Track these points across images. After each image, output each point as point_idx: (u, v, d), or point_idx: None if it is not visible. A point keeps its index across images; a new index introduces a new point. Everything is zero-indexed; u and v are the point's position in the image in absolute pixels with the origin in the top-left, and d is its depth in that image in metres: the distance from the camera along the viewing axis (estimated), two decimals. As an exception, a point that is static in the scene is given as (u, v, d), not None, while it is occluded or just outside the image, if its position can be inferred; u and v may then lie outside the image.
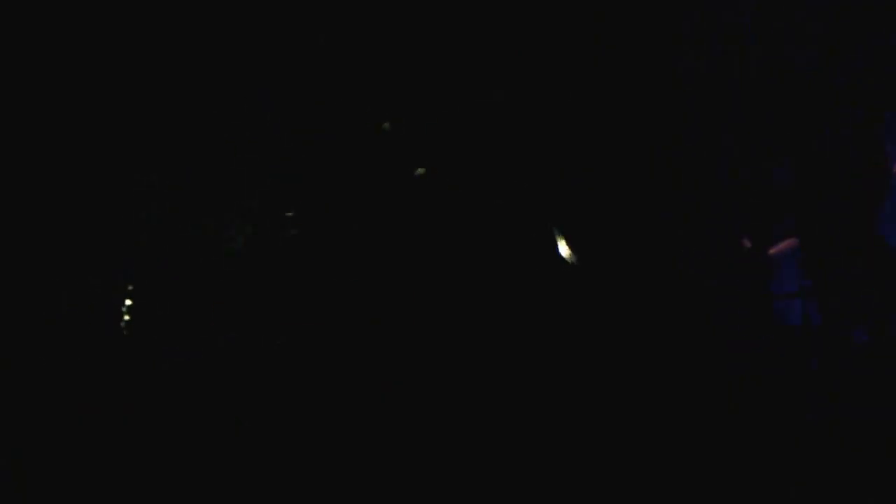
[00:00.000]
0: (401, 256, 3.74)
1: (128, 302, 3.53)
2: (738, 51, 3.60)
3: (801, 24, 3.59)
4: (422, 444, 3.63)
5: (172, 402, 3.59)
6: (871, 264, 3.24)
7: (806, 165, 3.38)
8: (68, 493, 3.45)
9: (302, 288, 3.77)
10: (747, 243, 3.41)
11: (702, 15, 3.68)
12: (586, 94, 3.72)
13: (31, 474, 3.42)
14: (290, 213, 3.85)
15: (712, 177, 3.62)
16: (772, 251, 3.40)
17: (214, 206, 3.80)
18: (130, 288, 3.54)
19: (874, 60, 3.42)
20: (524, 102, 3.77)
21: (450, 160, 3.74)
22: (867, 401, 3.31)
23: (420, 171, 3.71)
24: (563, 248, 3.56)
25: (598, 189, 3.63)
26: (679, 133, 3.66)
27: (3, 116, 3.67)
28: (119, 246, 3.67)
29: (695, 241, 3.61)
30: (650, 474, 3.47)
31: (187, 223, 3.76)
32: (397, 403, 3.64)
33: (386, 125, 3.83)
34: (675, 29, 3.70)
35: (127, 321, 3.50)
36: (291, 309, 3.76)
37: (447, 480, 3.58)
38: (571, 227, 3.55)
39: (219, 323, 3.73)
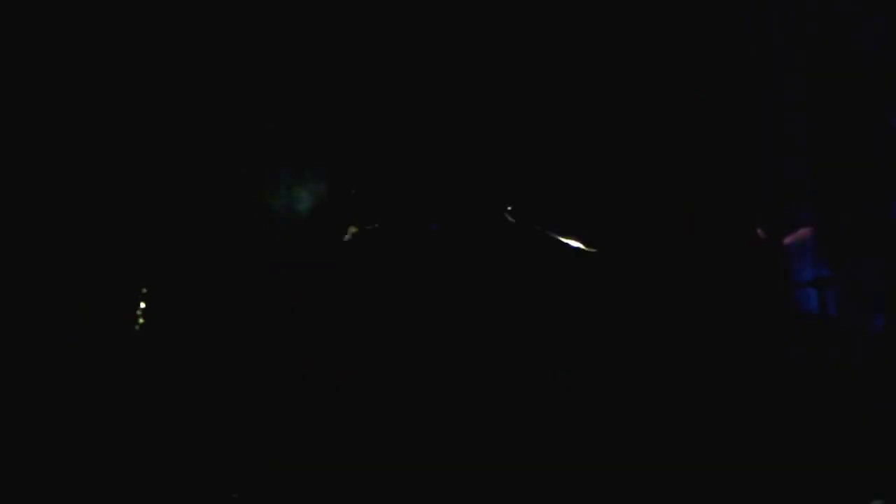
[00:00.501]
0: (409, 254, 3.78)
1: (142, 305, 3.60)
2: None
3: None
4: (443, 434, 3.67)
5: (184, 402, 3.64)
6: (886, 252, 3.20)
7: (822, 154, 3.35)
8: (74, 489, 3.50)
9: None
10: (763, 233, 3.38)
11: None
12: (598, 84, 3.72)
13: (40, 471, 3.48)
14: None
15: (728, 166, 3.60)
16: (787, 240, 3.36)
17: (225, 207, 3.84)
18: (144, 291, 3.60)
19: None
20: (532, 96, 3.79)
21: (454, 155, 3.78)
22: (884, 388, 3.28)
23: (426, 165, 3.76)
24: (574, 242, 3.56)
25: (611, 182, 3.64)
26: (696, 124, 3.64)
27: (20, 117, 3.73)
28: (134, 249, 3.72)
29: (711, 230, 3.59)
30: (666, 463, 3.48)
31: (201, 227, 3.81)
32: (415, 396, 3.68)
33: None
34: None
35: (141, 324, 3.56)
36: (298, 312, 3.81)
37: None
38: (582, 221, 3.56)
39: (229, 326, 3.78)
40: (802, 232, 3.28)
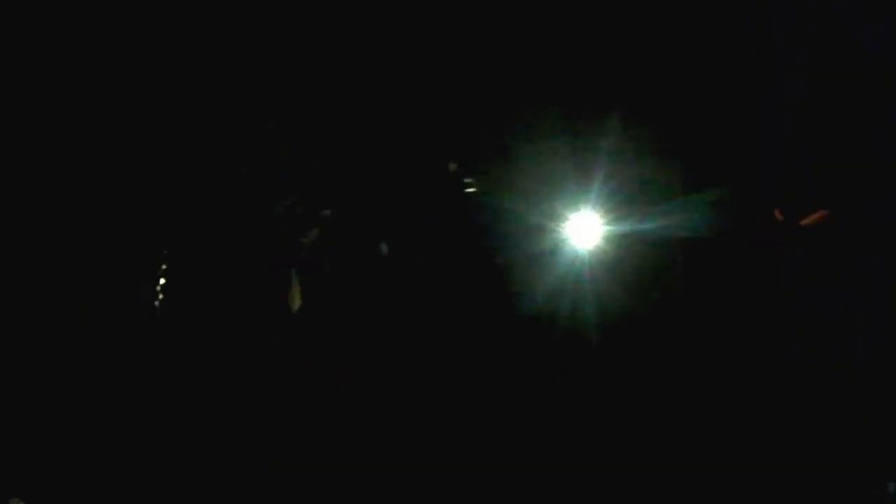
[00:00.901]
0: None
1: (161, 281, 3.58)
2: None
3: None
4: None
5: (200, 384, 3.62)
6: (886, 252, 3.21)
7: (822, 154, 3.36)
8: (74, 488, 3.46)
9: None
10: (779, 216, 3.38)
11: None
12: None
13: (39, 470, 3.44)
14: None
15: (744, 151, 3.58)
16: (803, 223, 3.36)
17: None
18: (164, 267, 3.59)
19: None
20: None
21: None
22: (884, 388, 3.29)
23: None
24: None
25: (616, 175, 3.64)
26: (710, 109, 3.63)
27: (25, 119, 3.71)
28: (152, 228, 3.70)
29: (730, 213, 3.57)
30: (667, 462, 3.48)
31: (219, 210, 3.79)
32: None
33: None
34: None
35: (161, 300, 3.54)
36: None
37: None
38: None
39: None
40: (818, 214, 3.28)
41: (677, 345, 3.49)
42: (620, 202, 3.54)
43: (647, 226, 3.44)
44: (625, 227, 3.44)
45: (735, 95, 3.62)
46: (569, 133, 3.66)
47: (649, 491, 3.53)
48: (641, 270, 3.54)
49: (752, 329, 3.48)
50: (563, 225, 3.50)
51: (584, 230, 3.46)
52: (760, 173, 3.53)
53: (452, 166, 3.82)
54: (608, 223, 3.51)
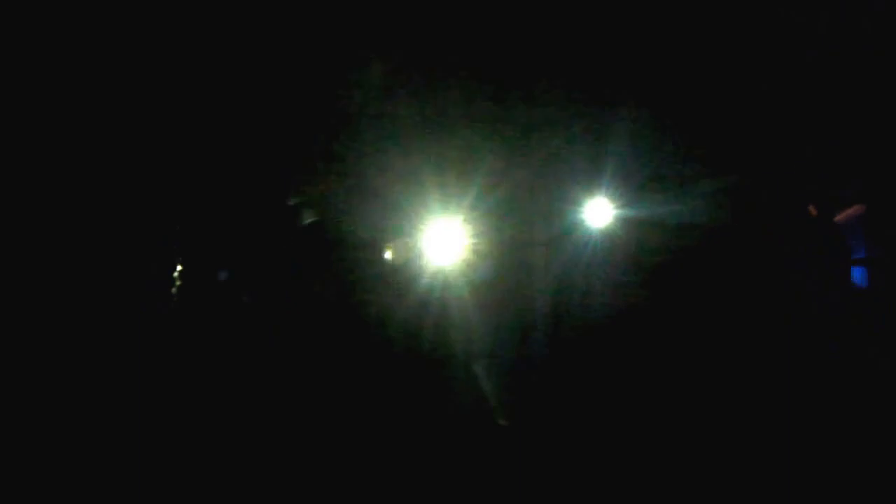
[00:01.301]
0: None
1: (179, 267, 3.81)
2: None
3: None
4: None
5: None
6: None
7: (866, 136, 3.09)
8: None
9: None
10: (813, 210, 3.15)
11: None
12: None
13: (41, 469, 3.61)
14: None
15: (778, 148, 3.38)
16: (838, 218, 3.11)
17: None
18: (180, 258, 3.82)
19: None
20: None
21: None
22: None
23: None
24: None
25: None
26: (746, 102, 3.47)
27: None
28: (168, 220, 3.93)
29: (765, 209, 3.40)
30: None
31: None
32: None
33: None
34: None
35: (178, 287, 3.67)
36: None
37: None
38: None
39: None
40: (853, 210, 3.05)
41: (676, 318, 3.44)
42: (630, 190, 3.58)
43: (653, 211, 3.43)
44: (634, 211, 3.46)
45: (742, 88, 3.46)
46: (585, 127, 3.70)
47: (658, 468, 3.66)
48: (647, 250, 3.53)
49: (749, 313, 3.34)
50: (579, 208, 3.55)
51: (598, 213, 3.57)
52: (766, 165, 3.36)
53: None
54: (619, 208, 3.58)
